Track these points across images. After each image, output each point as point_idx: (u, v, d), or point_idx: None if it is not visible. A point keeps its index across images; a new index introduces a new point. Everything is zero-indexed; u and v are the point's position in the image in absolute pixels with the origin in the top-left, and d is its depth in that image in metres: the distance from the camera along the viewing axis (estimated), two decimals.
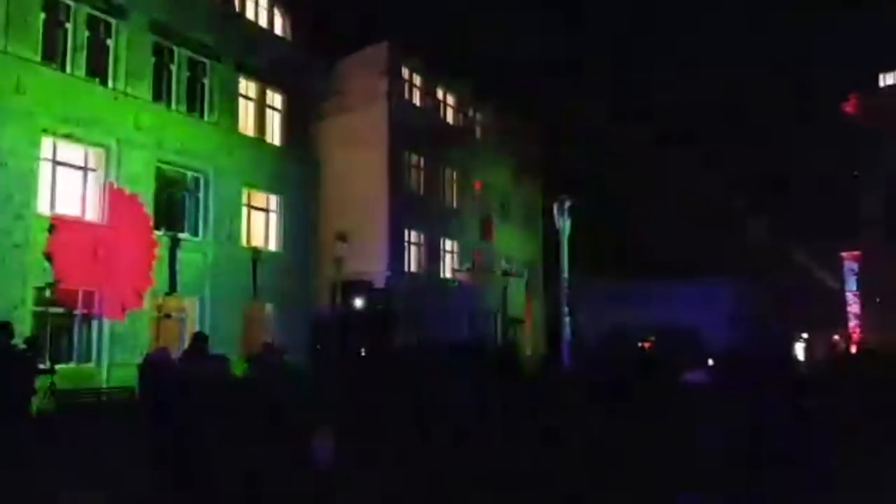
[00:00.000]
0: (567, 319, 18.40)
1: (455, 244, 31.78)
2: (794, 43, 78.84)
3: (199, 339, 10.53)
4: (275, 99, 22.46)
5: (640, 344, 34.56)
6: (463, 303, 28.92)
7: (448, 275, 31.00)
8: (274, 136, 22.35)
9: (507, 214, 34.83)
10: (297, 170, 22.42)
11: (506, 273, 33.55)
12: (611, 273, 41.25)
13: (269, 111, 22.24)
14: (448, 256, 31.48)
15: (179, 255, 18.21)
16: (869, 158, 37.78)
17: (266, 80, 21.91)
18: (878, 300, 37.04)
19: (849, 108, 39.27)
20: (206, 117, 19.86)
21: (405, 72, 29.48)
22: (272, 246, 21.56)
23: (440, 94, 31.78)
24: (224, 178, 19.75)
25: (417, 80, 30.24)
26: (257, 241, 21.09)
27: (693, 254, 45.64)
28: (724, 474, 6.44)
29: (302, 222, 22.29)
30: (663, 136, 52.84)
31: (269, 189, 21.64)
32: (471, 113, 33.92)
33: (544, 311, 36.38)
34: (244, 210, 20.82)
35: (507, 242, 34.39)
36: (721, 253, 45.36)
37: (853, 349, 30.77)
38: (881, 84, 39.52)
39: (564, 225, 19.50)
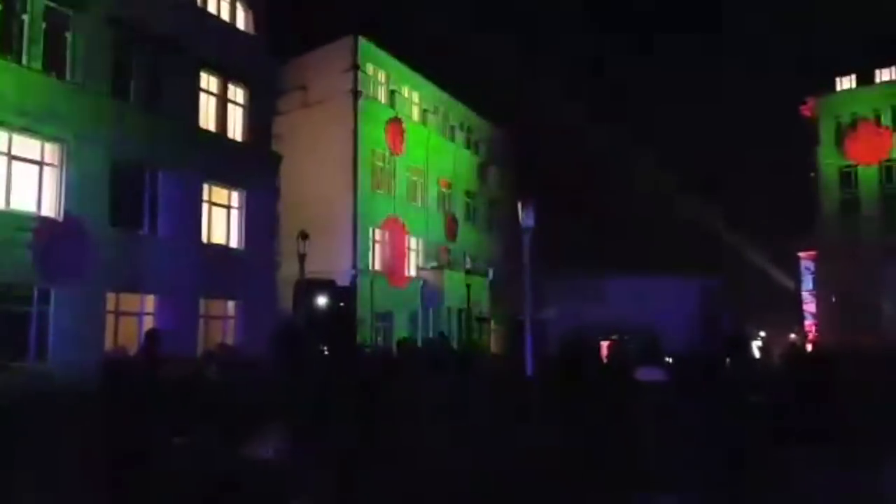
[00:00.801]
0: (530, 317, 18.47)
1: (420, 242, 31.79)
2: (754, 47, 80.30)
3: (155, 337, 10.35)
4: (237, 94, 22.17)
5: (600, 342, 34.85)
6: (429, 301, 28.93)
7: (413, 273, 30.98)
8: (236, 131, 22.07)
9: (473, 213, 34.93)
10: (259, 166, 22.16)
11: (470, 271, 33.65)
12: (575, 271, 41.56)
13: (230, 106, 21.95)
14: (413, 254, 31.47)
15: (138, 251, 17.90)
16: (826, 160, 38.62)
17: (228, 74, 21.61)
18: (833, 299, 37.91)
19: (806, 110, 40.10)
20: (166, 112, 19.53)
21: (370, 68, 29.37)
22: (233, 243, 21.30)
23: (406, 92, 31.73)
24: (184, 174, 19.44)
25: (382, 76, 30.14)
26: (218, 238, 20.83)
27: (655, 252, 46.25)
28: (677, 474, 6.53)
29: (264, 219, 22.05)
30: (626, 137, 53.45)
31: (231, 185, 21.37)
32: (437, 111, 33.93)
33: (510, 309, 36.51)
34: (205, 206, 20.54)
35: (473, 241, 34.50)
36: (681, 252, 46.06)
37: (809, 348, 31.43)
38: (838, 88, 40.41)
39: (529, 223, 19.57)
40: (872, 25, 40.53)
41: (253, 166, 21.81)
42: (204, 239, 20.27)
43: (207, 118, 21.09)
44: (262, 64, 22.82)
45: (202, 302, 19.98)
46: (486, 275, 33.78)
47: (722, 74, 75.22)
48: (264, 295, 21.18)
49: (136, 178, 18.70)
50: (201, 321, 19.92)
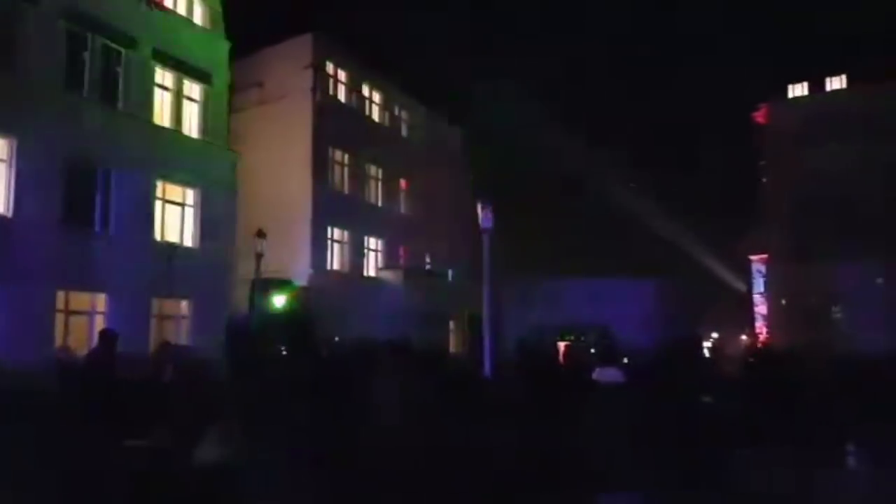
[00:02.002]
0: (489, 319, 18.50)
1: (380, 243, 31.65)
2: (708, 54, 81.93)
3: (108, 336, 10.08)
4: (192, 90, 21.80)
5: (558, 342, 35.19)
6: (387, 302, 28.80)
7: (373, 273, 30.84)
8: (191, 127, 21.69)
9: (433, 214, 34.87)
10: (215, 163, 21.82)
11: (431, 272, 33.63)
12: (534, 272, 41.91)
13: (186, 102, 21.57)
14: (373, 255, 31.32)
15: (89, 248, 17.47)
16: (775, 165, 39.54)
17: (184, 70, 21.23)
18: (783, 301, 38.81)
19: (759, 117, 40.99)
20: (120, 107, 19.10)
21: (330, 66, 29.13)
22: (188, 241, 20.93)
23: (366, 90, 31.56)
24: (137, 171, 19.02)
25: (343, 75, 29.94)
26: (172, 236, 20.45)
27: (612, 254, 46.88)
28: (631, 473, 6.59)
29: (220, 217, 21.69)
30: (585, 139, 54.04)
31: (186, 182, 20.99)
32: (397, 111, 33.84)
33: (470, 310, 36.59)
34: (158, 204, 20.15)
35: (434, 242, 34.46)
36: (636, 254, 46.80)
37: (759, 349, 32.13)
38: (790, 94, 41.40)
39: (487, 224, 19.62)
40: (825, 34, 41.73)
41: (208, 164, 21.46)
42: (157, 237, 19.89)
43: (162, 114, 20.71)
44: (219, 60, 22.47)
45: (155, 301, 19.60)
46: (445, 275, 33.79)
47: (677, 79, 76.54)
48: (219, 294, 20.85)
49: (89, 175, 18.25)
50: (153, 321, 19.56)
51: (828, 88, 39.92)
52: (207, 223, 21.25)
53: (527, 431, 7.48)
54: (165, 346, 13.78)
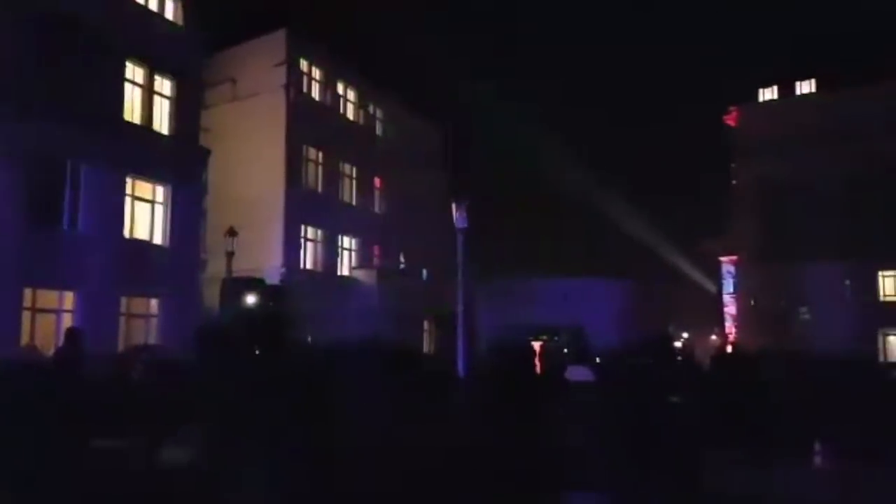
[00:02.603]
0: (463, 319, 18.52)
1: (354, 242, 31.52)
2: (681, 58, 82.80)
3: (76, 335, 9.94)
4: (163, 85, 21.50)
5: (531, 342, 35.29)
6: (361, 302, 28.69)
7: (346, 273, 30.71)
8: (162, 123, 21.39)
9: (408, 213, 34.79)
10: (186, 160, 21.54)
11: (405, 272, 33.55)
12: (509, 272, 42.05)
13: (157, 98, 21.26)
14: (346, 254, 31.18)
15: (57, 246, 17.17)
16: (746, 168, 40.08)
17: (154, 65, 20.94)
18: (752, 302, 39.35)
19: (730, 120, 41.51)
20: (89, 103, 18.76)
21: (304, 63, 28.94)
22: (157, 239, 20.66)
23: (340, 88, 31.41)
24: (107, 167, 18.72)
25: (317, 72, 29.75)
26: (142, 234, 20.18)
27: (585, 254, 47.21)
28: (601, 473, 6.63)
29: (191, 215, 21.45)
30: (560, 141, 54.35)
31: (156, 179, 20.70)
32: (372, 109, 33.71)
33: (445, 310, 36.57)
34: (128, 200, 19.85)
35: (409, 241, 34.38)
36: (611, 254, 47.18)
37: (728, 349, 32.57)
38: (760, 98, 41.98)
39: (462, 224, 19.62)
40: (794, 40, 42.33)
41: (179, 160, 21.18)
42: (126, 234, 19.62)
43: (132, 110, 20.41)
44: (191, 55, 22.19)
45: (123, 300, 19.33)
46: (420, 275, 33.73)
47: (652, 83, 77.39)
48: (189, 293, 20.62)
49: (57, 171, 17.93)
50: (122, 319, 19.31)
51: (797, 93, 40.54)
52: (178, 221, 20.99)
53: (499, 431, 7.49)
54: (141, 347, 13.62)
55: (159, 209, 20.89)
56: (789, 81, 40.41)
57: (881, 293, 35.92)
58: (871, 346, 32.74)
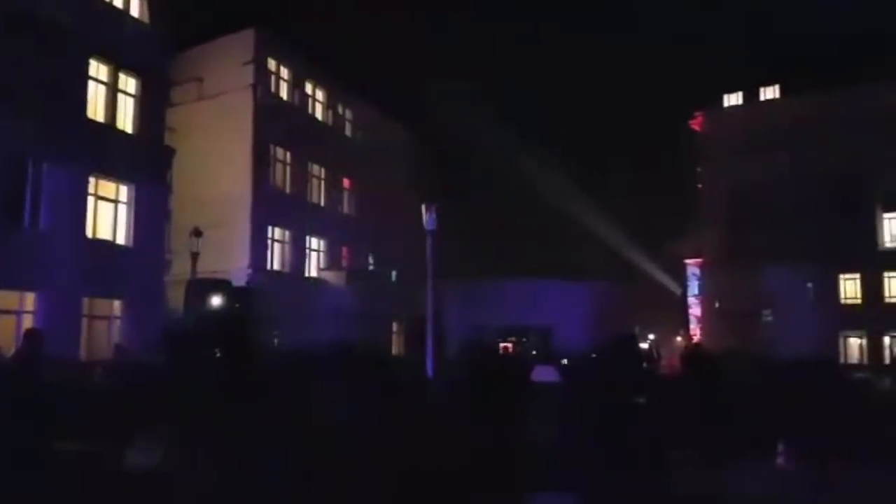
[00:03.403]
0: (432, 320, 18.51)
1: (322, 243, 31.31)
2: (649, 62, 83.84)
3: (35, 337, 9.70)
4: (128, 83, 21.15)
5: (500, 344, 35.45)
6: (330, 303, 28.51)
7: (315, 274, 30.49)
8: (126, 122, 21.04)
9: (377, 214, 34.68)
10: (150, 159, 21.20)
11: (374, 273, 33.43)
12: (478, 274, 42.10)
13: (121, 96, 20.90)
14: (315, 255, 30.97)
15: (17, 246, 16.79)
16: (711, 172, 40.67)
17: (119, 63, 20.59)
18: (716, 304, 39.93)
19: (695, 125, 42.10)
20: (52, 101, 18.36)
21: (272, 63, 28.69)
22: (121, 239, 20.31)
23: (309, 88, 31.20)
24: (69, 166, 18.35)
25: (285, 72, 29.51)
26: (105, 234, 19.82)
27: (554, 256, 47.51)
28: (566, 474, 6.66)
29: (155, 214, 21.11)
30: (529, 143, 54.67)
31: (120, 178, 20.35)
32: (341, 110, 33.55)
33: (416, 313, 36.51)
34: (91, 200, 19.49)
35: (377, 242, 34.26)
36: (579, 256, 47.52)
37: (692, 350, 32.92)
38: (725, 104, 42.64)
39: (432, 226, 19.61)
40: (759, 46, 43.10)
41: (143, 159, 20.84)
42: (89, 234, 19.25)
43: (96, 108, 20.04)
44: (156, 53, 21.85)
45: (86, 301, 18.98)
46: (389, 276, 33.63)
47: (620, 86, 78.18)
48: (153, 294, 20.31)
49: (18, 170, 17.52)
50: (84, 321, 18.95)
51: (761, 98, 41.24)
52: (142, 221, 20.66)
53: (466, 432, 7.48)
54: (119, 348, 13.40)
55: (123, 209, 20.54)
56: (754, 87, 41.12)
57: (842, 296, 36.68)
58: (832, 348, 33.42)
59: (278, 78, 29.14)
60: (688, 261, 44.66)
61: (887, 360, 32.65)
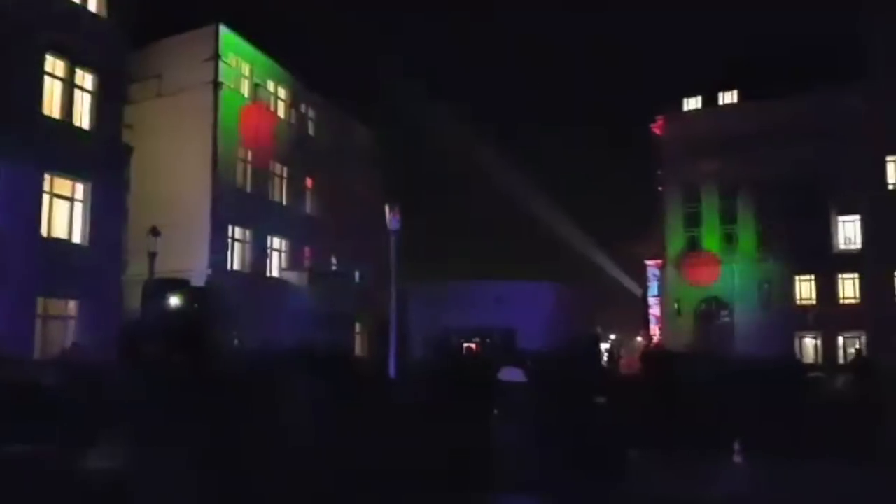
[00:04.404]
0: (395, 321, 18.45)
1: (284, 243, 30.99)
2: (612, 66, 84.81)
3: None
4: (85, 79, 20.69)
5: (465, 345, 35.50)
6: (292, 304, 28.22)
7: (276, 274, 30.16)
8: (83, 119, 20.58)
9: (341, 214, 34.44)
10: (107, 156, 20.76)
11: (336, 274, 33.19)
12: (442, 274, 42.15)
13: (78, 92, 20.43)
14: (276, 255, 30.63)
15: None
16: (671, 174, 41.23)
17: (76, 59, 20.12)
18: (675, 305, 40.48)
19: (656, 128, 42.63)
20: (6, 97, 17.87)
21: (234, 60, 28.31)
22: (77, 238, 19.87)
23: (271, 86, 30.85)
24: (24, 163, 17.85)
25: (246, 69, 29.14)
26: (60, 232, 19.37)
27: (518, 257, 47.75)
28: (527, 473, 6.68)
29: (112, 213, 20.68)
30: (493, 146, 54.94)
31: (76, 176, 19.92)
32: (304, 109, 33.24)
33: (379, 313, 36.36)
34: (46, 197, 19.03)
35: (341, 242, 34.02)
36: (543, 257, 47.86)
37: (651, 350, 33.37)
38: (685, 108, 43.23)
39: (395, 226, 19.55)
40: (719, 51, 43.86)
41: (100, 157, 20.42)
42: (44, 233, 18.79)
43: (52, 104, 19.58)
44: (114, 49, 21.41)
45: (40, 300, 18.53)
46: (352, 277, 33.42)
47: (584, 90, 78.93)
48: (110, 294, 19.91)
49: None
50: (39, 321, 18.51)
51: (720, 103, 41.92)
52: (98, 219, 20.24)
53: (429, 432, 7.47)
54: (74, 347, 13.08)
55: (79, 207, 20.11)
56: (713, 92, 41.76)
57: (797, 297, 37.42)
58: (788, 348, 34.09)
59: (239, 75, 28.77)
60: (648, 262, 45.19)
61: (841, 360, 33.37)
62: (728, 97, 41.70)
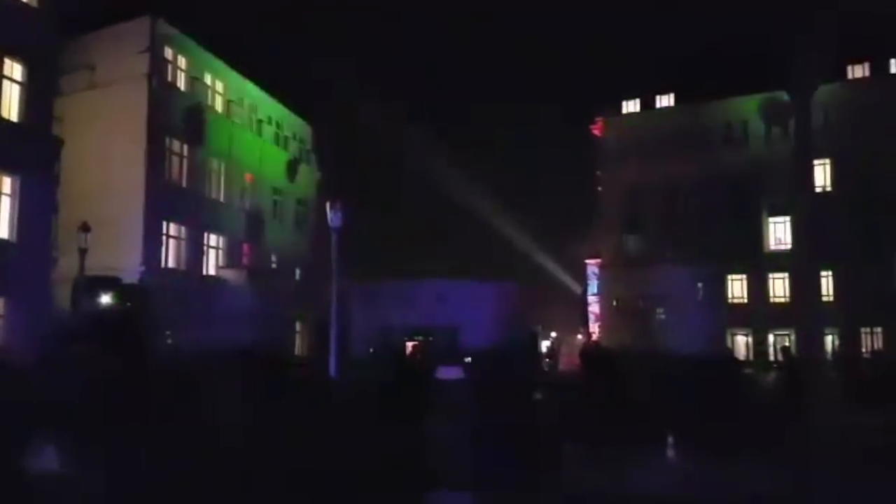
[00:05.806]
0: (336, 320, 18.30)
1: (221, 239, 30.37)
2: (554, 67, 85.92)
3: None
4: (14, 69, 19.90)
5: (407, 343, 35.45)
6: (229, 303, 27.69)
7: (213, 272, 29.55)
8: (11, 110, 19.79)
9: (280, 210, 33.94)
10: (36, 149, 20.01)
11: (276, 272, 32.72)
12: (384, 273, 42.01)
13: (6, 83, 19.64)
14: (213, 252, 30.00)
15: None
16: (609, 175, 42.02)
17: (4, 48, 19.33)
18: (614, 303, 41.26)
19: (596, 130, 43.36)
20: None
21: (169, 52, 27.61)
22: (3, 233, 19.11)
23: (208, 79, 30.19)
24: None
25: (182, 62, 28.45)
26: None
27: (460, 256, 47.94)
28: (460, 471, 6.70)
29: (41, 208, 19.95)
30: (435, 144, 55.06)
31: (3, 169, 19.14)
32: (244, 102, 32.67)
33: (320, 312, 35.98)
34: None
35: (280, 240, 33.56)
36: (485, 256, 48.18)
37: (590, 348, 33.90)
38: (624, 110, 44.10)
39: (337, 223, 19.38)
40: (658, 54, 44.83)
41: (29, 150, 19.66)
42: None
43: None
44: (45, 38, 20.63)
45: None
46: (292, 275, 33.02)
47: (526, 93, 79.69)
48: (39, 292, 19.20)
49: None
50: None
51: (657, 105, 42.88)
52: (26, 214, 19.50)
53: (365, 431, 7.42)
54: None
55: (6, 201, 19.37)
56: (651, 94, 42.68)
57: (730, 296, 38.56)
58: (721, 344, 35.09)
59: (175, 68, 28.07)
60: (588, 261, 45.93)
61: (771, 357, 34.51)
62: (665, 100, 42.68)
